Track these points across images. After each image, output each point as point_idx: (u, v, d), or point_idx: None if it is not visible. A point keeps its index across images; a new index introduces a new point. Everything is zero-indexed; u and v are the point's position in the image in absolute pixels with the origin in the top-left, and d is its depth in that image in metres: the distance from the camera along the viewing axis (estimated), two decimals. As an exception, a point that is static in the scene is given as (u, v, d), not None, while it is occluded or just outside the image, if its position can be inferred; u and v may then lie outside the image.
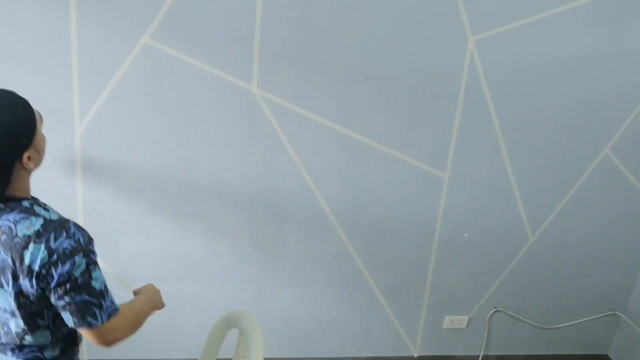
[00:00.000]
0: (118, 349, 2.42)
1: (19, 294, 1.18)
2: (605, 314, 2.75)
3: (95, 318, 1.20)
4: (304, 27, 2.05)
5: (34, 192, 1.28)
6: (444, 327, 2.66)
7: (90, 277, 1.20)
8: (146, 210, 2.21)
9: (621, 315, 2.73)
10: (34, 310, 1.21)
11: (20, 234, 1.15)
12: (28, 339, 1.24)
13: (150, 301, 1.47)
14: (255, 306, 2.45)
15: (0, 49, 1.92)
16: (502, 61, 2.20)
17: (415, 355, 2.71)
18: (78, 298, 1.18)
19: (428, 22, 2.10)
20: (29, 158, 1.18)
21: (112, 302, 1.25)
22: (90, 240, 1.23)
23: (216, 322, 1.89)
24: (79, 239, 1.19)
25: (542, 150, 2.37)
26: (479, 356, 2.74)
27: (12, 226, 1.16)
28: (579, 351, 2.83)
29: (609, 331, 2.80)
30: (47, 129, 2.02)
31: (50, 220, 1.19)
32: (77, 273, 1.17)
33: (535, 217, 2.49)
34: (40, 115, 1.23)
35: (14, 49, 1.93)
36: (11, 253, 1.15)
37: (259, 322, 1.80)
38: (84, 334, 1.23)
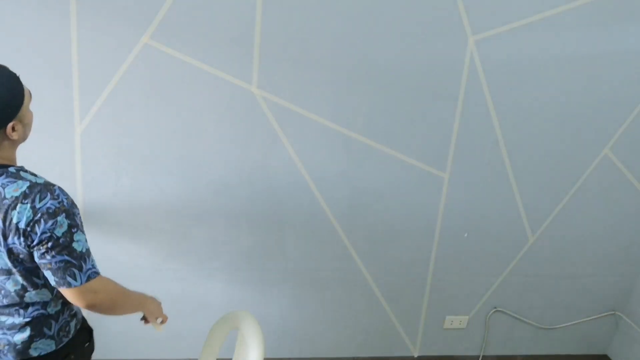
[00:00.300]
0: (118, 349, 2.43)
1: (10, 252, 1.24)
2: (605, 314, 2.75)
3: (75, 279, 1.26)
4: (304, 27, 2.05)
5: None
6: (444, 327, 2.66)
7: (72, 239, 1.26)
8: (146, 210, 2.21)
9: (621, 315, 2.73)
10: (27, 267, 1.27)
11: (8, 195, 1.22)
12: (29, 295, 1.30)
13: (143, 299, 1.50)
14: (255, 306, 2.44)
15: (1, 48, 1.92)
16: (502, 61, 2.20)
17: (415, 355, 2.71)
18: (59, 257, 1.24)
19: (428, 22, 2.10)
20: (13, 129, 1.24)
21: (93, 266, 1.30)
22: (74, 204, 1.30)
23: (216, 322, 1.89)
24: (62, 200, 1.26)
25: (542, 150, 2.37)
26: (478, 356, 2.74)
27: (0, 189, 1.23)
28: (579, 351, 2.83)
29: (609, 331, 2.80)
30: (47, 129, 2.03)
31: (36, 183, 1.26)
32: (59, 232, 1.23)
33: (535, 217, 2.49)
34: (29, 92, 1.29)
35: (14, 49, 1.93)
36: (0, 214, 1.21)
37: (259, 322, 1.81)
38: (64, 293, 1.29)
